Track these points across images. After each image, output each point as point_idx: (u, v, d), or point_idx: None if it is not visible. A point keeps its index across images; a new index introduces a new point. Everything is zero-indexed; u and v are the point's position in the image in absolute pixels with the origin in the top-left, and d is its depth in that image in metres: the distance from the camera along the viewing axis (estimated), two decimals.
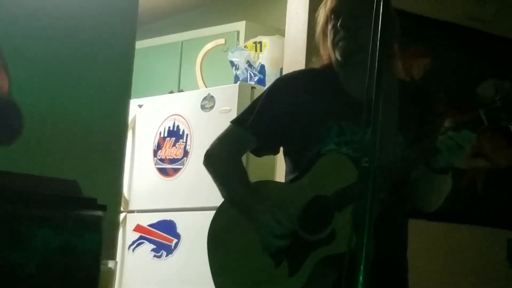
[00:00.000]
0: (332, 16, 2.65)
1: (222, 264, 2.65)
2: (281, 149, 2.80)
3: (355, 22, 2.59)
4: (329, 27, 2.66)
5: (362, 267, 1.72)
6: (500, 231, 4.92)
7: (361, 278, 1.71)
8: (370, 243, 1.73)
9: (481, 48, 4.94)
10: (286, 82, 2.81)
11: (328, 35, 2.66)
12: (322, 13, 2.70)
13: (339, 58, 2.65)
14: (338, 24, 2.62)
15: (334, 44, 2.64)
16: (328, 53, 2.70)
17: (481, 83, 4.72)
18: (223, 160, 2.72)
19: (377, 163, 1.78)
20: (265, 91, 2.82)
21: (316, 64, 2.76)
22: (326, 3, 2.69)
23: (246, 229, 2.59)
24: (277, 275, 2.52)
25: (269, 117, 2.71)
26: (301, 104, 2.68)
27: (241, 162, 2.74)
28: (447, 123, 2.47)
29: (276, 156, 2.95)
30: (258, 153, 2.78)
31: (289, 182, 2.67)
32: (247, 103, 4.72)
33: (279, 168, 4.25)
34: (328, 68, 2.71)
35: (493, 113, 2.39)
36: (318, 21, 2.72)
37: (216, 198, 2.75)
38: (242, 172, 2.71)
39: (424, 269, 4.54)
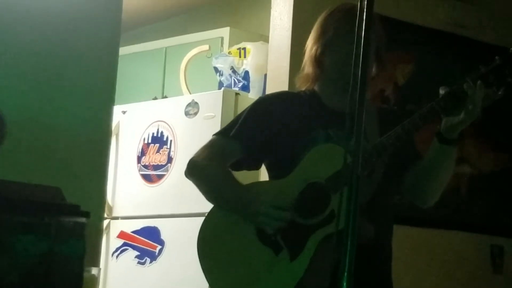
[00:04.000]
0: (321, 35, 2.70)
1: (217, 264, 2.64)
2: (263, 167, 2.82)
3: (339, 39, 2.65)
4: (317, 45, 2.70)
5: (349, 246, 1.77)
6: (483, 236, 4.95)
7: (348, 256, 1.77)
8: (355, 229, 1.77)
9: (466, 55, 4.96)
10: (269, 99, 2.87)
11: (314, 53, 2.71)
12: (311, 35, 2.75)
13: (321, 74, 2.71)
14: (323, 41, 2.68)
15: (318, 61, 2.70)
16: (311, 72, 2.73)
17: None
18: (209, 166, 2.71)
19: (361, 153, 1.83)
20: (248, 106, 2.83)
21: (298, 83, 2.80)
22: (318, 23, 2.75)
23: (240, 226, 2.60)
24: (278, 263, 2.54)
25: (253, 128, 2.72)
26: (285, 116, 2.71)
27: (227, 168, 2.74)
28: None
29: (257, 174, 2.95)
30: (239, 166, 2.77)
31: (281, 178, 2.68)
32: (231, 109, 4.77)
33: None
34: (310, 90, 2.76)
35: (477, 77, 2.46)
36: (307, 43, 2.76)
37: (200, 204, 2.75)
38: (231, 175, 2.71)
39: (407, 274, 4.55)
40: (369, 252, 2.22)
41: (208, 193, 2.71)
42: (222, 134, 2.76)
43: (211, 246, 2.65)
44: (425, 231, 4.74)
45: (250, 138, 2.71)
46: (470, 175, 4.93)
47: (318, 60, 2.71)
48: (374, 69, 2.70)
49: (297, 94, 2.80)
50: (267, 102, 2.82)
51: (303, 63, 2.77)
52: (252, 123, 2.73)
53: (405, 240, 4.53)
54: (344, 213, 1.81)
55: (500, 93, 2.48)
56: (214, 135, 2.79)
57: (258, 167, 2.85)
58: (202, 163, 2.72)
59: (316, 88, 2.76)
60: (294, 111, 2.72)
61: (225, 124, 2.82)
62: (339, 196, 2.40)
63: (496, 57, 2.49)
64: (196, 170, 2.73)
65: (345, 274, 1.77)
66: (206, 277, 2.63)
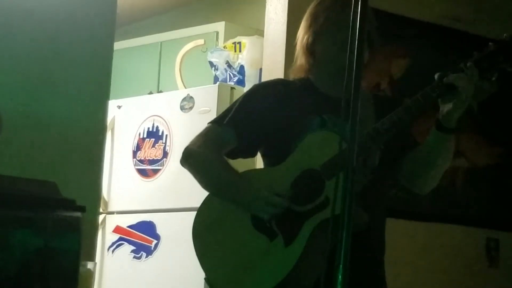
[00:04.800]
0: (311, 23, 2.70)
1: (212, 252, 2.64)
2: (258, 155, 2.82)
3: (329, 27, 2.65)
4: (308, 34, 2.70)
5: (345, 233, 1.77)
6: (479, 230, 4.95)
7: (343, 242, 1.77)
8: (351, 215, 1.78)
9: (461, 49, 4.96)
10: (263, 86, 2.87)
11: (305, 42, 2.71)
12: (302, 25, 2.75)
13: (314, 63, 2.71)
14: (314, 30, 2.68)
15: (310, 50, 2.70)
16: (304, 62, 2.74)
17: None
18: (204, 154, 2.71)
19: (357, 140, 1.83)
20: (242, 95, 2.84)
21: (293, 75, 2.81)
22: (307, 13, 2.75)
23: (235, 213, 2.61)
24: (272, 249, 2.54)
25: (248, 115, 2.72)
26: (280, 104, 2.70)
27: (223, 155, 2.74)
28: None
29: (252, 162, 2.95)
30: (235, 154, 2.77)
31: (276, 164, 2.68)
32: (226, 103, 4.76)
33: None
34: (304, 78, 2.76)
35: (476, 62, 2.50)
36: (298, 34, 2.76)
37: (196, 198, 2.74)
38: (226, 162, 2.71)
39: (403, 268, 4.56)
40: (362, 239, 2.22)
41: (203, 181, 2.70)
42: (217, 122, 2.76)
43: (206, 234, 2.65)
44: (420, 225, 4.74)
45: (244, 126, 2.71)
46: (466, 168, 4.93)
47: (310, 49, 2.71)
48: (366, 55, 2.70)
49: (291, 82, 2.80)
50: (261, 90, 2.81)
51: (296, 54, 2.77)
52: (247, 111, 2.73)
53: (400, 234, 4.53)
54: (339, 199, 1.81)
55: (493, 79, 2.49)
56: (209, 123, 2.79)
57: (253, 155, 2.84)
58: (197, 151, 2.71)
59: (310, 76, 2.75)
60: (288, 98, 2.72)
61: None
62: (333, 182, 2.45)
63: (490, 43, 2.51)
64: (191, 158, 2.72)
65: (340, 266, 1.76)
66: (201, 264, 2.63)
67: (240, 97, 2.81)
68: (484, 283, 4.93)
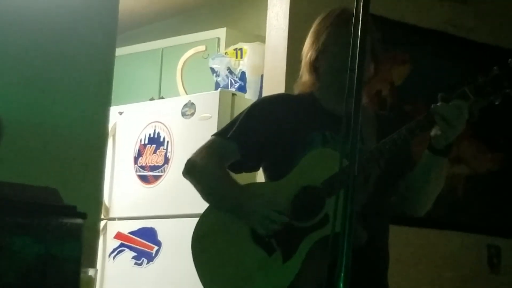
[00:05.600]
0: (315, 40, 2.72)
1: (211, 263, 2.65)
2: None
3: (333, 44, 2.66)
4: (312, 51, 2.72)
5: (345, 251, 1.78)
6: (480, 236, 4.95)
7: (344, 261, 1.78)
8: (352, 231, 1.78)
9: (461, 55, 4.96)
10: (267, 101, 2.90)
11: (309, 59, 2.73)
12: (307, 41, 2.77)
13: (318, 79, 2.73)
14: (318, 47, 2.70)
15: (314, 67, 2.72)
16: (308, 79, 2.75)
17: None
18: (207, 165, 2.72)
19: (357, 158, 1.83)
20: (246, 108, 2.85)
21: (297, 90, 2.82)
22: (312, 30, 2.76)
23: (235, 226, 2.62)
24: (270, 264, 2.55)
25: (251, 129, 2.74)
26: (283, 119, 2.72)
27: (225, 167, 2.74)
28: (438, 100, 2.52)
29: (253, 176, 2.96)
30: (238, 168, 2.79)
31: (277, 180, 2.68)
32: (227, 110, 4.77)
33: None
34: (308, 94, 2.78)
35: (475, 88, 2.48)
36: (303, 50, 2.78)
37: (197, 205, 2.75)
38: (228, 175, 2.72)
39: (404, 275, 4.55)
40: (362, 256, 2.22)
41: (205, 193, 2.72)
42: (220, 135, 2.77)
43: (205, 245, 2.66)
44: (422, 231, 4.74)
45: (247, 140, 2.72)
46: (466, 175, 4.93)
47: (313, 66, 2.73)
48: (371, 68, 2.71)
49: (295, 97, 2.82)
50: (265, 104, 2.84)
51: (301, 70, 2.79)
52: (250, 125, 2.74)
53: (401, 240, 4.53)
54: (339, 217, 1.82)
55: (496, 103, 2.48)
56: (212, 135, 2.80)
57: (256, 169, 2.85)
58: (200, 163, 2.73)
59: (314, 92, 2.77)
60: (291, 113, 2.73)
61: (222, 125, 2.84)
62: (333, 200, 2.45)
63: (495, 67, 2.48)
64: (194, 170, 2.74)
65: (342, 275, 1.77)
66: (199, 276, 2.64)
67: (245, 110, 2.82)
68: None
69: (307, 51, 2.74)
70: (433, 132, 2.52)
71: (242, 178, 2.77)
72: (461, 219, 4.92)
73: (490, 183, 5.01)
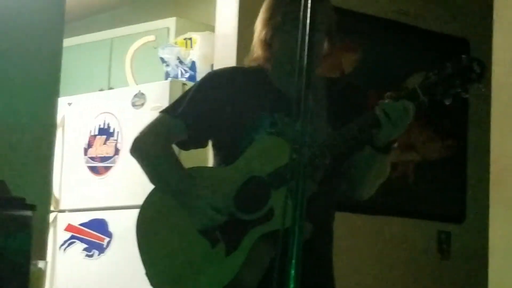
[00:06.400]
0: (269, 17, 2.67)
1: (154, 252, 2.62)
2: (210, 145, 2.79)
3: (287, 23, 2.61)
4: (266, 28, 2.67)
5: (294, 246, 1.76)
6: (430, 223, 4.99)
7: (294, 256, 1.76)
8: (302, 223, 1.77)
9: (412, 43, 5.00)
10: (217, 75, 2.84)
11: (263, 36, 2.68)
12: (260, 17, 2.72)
13: (271, 57, 2.68)
14: (272, 24, 2.65)
15: (267, 44, 2.67)
16: (261, 55, 2.71)
17: (410, 76, 4.76)
18: (153, 145, 2.69)
19: (307, 152, 1.81)
20: (195, 83, 2.82)
21: (248, 64, 2.78)
22: (266, 5, 2.72)
23: (178, 214, 2.58)
24: (213, 256, 2.51)
25: (199, 107, 2.69)
26: (232, 96, 2.68)
27: (171, 148, 2.71)
28: (385, 97, 2.48)
29: (207, 151, 2.94)
30: (186, 145, 2.75)
31: (223, 166, 2.65)
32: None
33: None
34: (259, 68, 2.73)
35: (427, 87, 2.43)
36: (256, 25, 2.73)
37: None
38: (174, 157, 2.69)
39: (355, 262, 4.58)
40: (308, 249, 2.21)
41: (149, 174, 2.68)
42: (168, 112, 2.73)
43: (149, 232, 2.63)
44: (372, 218, 4.77)
45: (195, 118, 2.68)
46: (417, 162, 4.97)
47: (267, 43, 2.68)
48: (326, 46, 2.69)
49: (246, 71, 2.77)
50: (215, 80, 2.78)
51: (252, 45, 2.74)
52: (198, 102, 2.70)
53: (352, 228, 4.56)
54: (284, 212, 1.82)
55: (447, 103, 2.45)
56: (160, 112, 2.76)
57: (204, 146, 2.80)
58: (145, 142, 2.70)
59: (266, 67, 2.72)
60: (241, 90, 2.69)
61: None
62: (280, 193, 2.43)
63: (448, 64, 2.43)
64: (139, 149, 2.70)
65: (292, 272, 1.76)
66: (142, 262, 2.61)
67: (193, 86, 2.79)
68: (436, 275, 4.98)
69: (261, 27, 2.69)
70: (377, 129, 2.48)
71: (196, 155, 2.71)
72: (411, 206, 4.96)
73: (441, 170, 5.06)
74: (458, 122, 5.10)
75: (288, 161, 1.91)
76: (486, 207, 3.74)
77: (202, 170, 2.71)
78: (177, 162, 2.67)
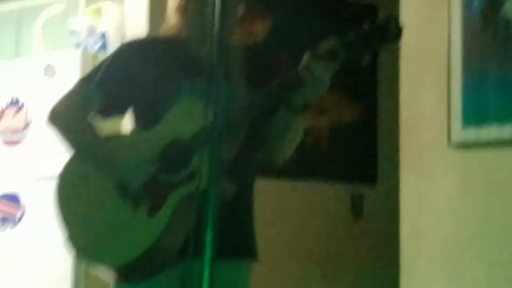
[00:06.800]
0: None
1: (75, 218, 2.61)
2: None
3: None
4: None
5: (211, 207, 1.79)
6: (344, 186, 5.05)
7: (210, 217, 1.79)
8: (219, 186, 1.80)
9: (319, 9, 5.02)
10: (134, 45, 2.83)
11: (177, 4, 2.70)
12: None
13: (186, 24, 2.69)
14: None
15: (182, 11, 2.69)
16: (176, 23, 2.72)
17: (322, 40, 4.78)
18: (70, 114, 2.68)
19: (224, 114, 1.85)
20: (112, 52, 2.81)
21: (163, 32, 2.78)
22: None
23: (98, 179, 2.58)
24: (135, 218, 2.52)
25: (116, 76, 2.69)
26: (149, 65, 2.68)
27: (89, 116, 2.69)
28: (305, 57, 2.48)
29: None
30: (104, 114, 2.74)
31: (144, 130, 2.65)
32: (88, 70, 4.68)
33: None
34: (175, 36, 2.74)
35: (346, 46, 2.43)
36: None
37: (60, 167, 2.70)
38: (92, 125, 2.68)
39: (270, 227, 4.62)
40: (229, 211, 2.23)
41: (68, 143, 2.67)
42: (86, 81, 2.73)
43: (69, 198, 2.62)
44: (285, 183, 4.80)
45: (112, 87, 2.68)
46: (328, 125, 5.01)
47: (182, 9, 2.69)
48: (242, 7, 2.70)
49: (163, 40, 2.77)
50: (131, 49, 2.77)
51: (166, 13, 2.74)
52: (115, 71, 2.69)
53: (265, 193, 4.58)
54: (205, 173, 1.83)
55: (364, 65, 2.46)
56: (79, 80, 2.75)
57: (123, 114, 2.79)
58: (62, 112, 2.68)
59: (182, 36, 2.73)
60: (159, 59, 2.69)
61: None
62: (201, 155, 2.42)
63: (365, 24, 2.43)
64: (57, 119, 2.68)
65: (209, 231, 1.79)
66: (63, 229, 2.60)
67: (110, 55, 2.78)
68: (350, 237, 5.06)
69: None
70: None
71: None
72: (324, 169, 5.01)
73: (353, 133, 5.11)
74: (368, 84, 5.16)
75: (207, 124, 1.92)
76: (397, 169, 3.82)
77: (122, 136, 2.73)
78: (93, 130, 2.66)
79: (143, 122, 2.69)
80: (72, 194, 2.63)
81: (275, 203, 4.72)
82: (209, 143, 1.85)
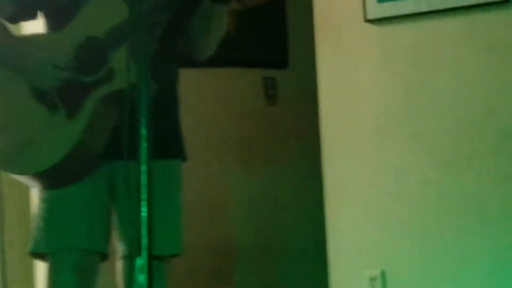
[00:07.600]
0: None
1: None
2: None
3: None
4: None
5: (142, 104, 1.79)
6: (255, 70, 5.02)
7: (143, 114, 1.78)
8: (149, 79, 1.80)
9: None
10: None
11: None
12: None
13: None
14: None
15: None
16: None
17: None
18: None
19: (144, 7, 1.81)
20: None
21: None
22: None
23: (13, 82, 2.49)
24: (54, 122, 2.45)
25: None
26: None
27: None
28: None
29: None
30: (14, 18, 2.63)
31: (57, 30, 2.54)
32: None
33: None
34: None
35: None
36: None
37: None
38: (3, 26, 2.59)
39: (187, 116, 4.55)
40: (154, 107, 2.16)
41: None
42: None
43: None
44: (197, 71, 4.72)
45: None
46: (237, 10, 4.90)
47: None
48: None
49: None
50: None
51: None
52: None
53: (182, 83, 4.50)
54: (126, 71, 1.85)
55: None
56: None
57: (34, 18, 2.68)
58: None
59: None
60: None
61: None
62: (119, 52, 2.37)
63: None
64: None
65: (143, 120, 1.78)
66: None
67: None
68: (264, 121, 5.04)
69: None
70: None
71: None
72: (234, 55, 4.93)
73: (261, 17, 5.03)
74: None
75: (126, 18, 1.83)
76: (310, 50, 3.75)
77: (36, 35, 2.61)
78: (7, 30, 2.57)
79: (56, 22, 2.57)
80: None
81: (188, 92, 4.63)
82: (132, 37, 1.77)
